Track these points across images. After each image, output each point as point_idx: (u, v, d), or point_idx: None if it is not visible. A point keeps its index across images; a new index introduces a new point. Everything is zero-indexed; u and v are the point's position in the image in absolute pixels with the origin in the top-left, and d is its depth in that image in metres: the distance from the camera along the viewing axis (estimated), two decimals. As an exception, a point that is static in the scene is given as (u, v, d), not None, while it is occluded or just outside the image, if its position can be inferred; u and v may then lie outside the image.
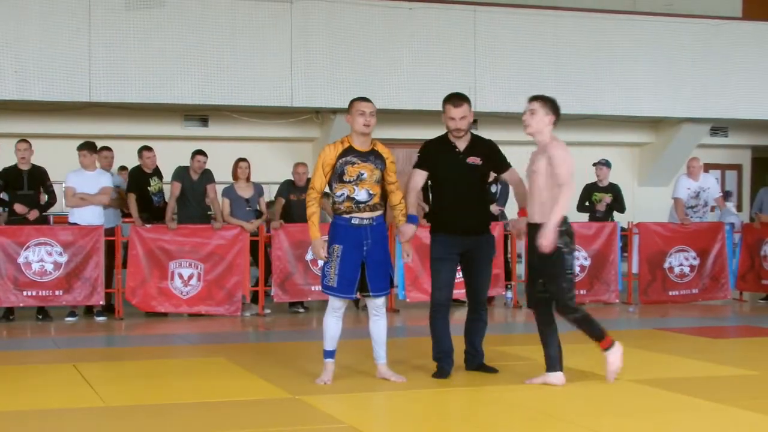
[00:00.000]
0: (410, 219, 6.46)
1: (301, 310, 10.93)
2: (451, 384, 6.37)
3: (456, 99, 6.53)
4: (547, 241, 5.99)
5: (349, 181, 6.18)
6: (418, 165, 6.61)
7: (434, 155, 6.62)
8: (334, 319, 6.33)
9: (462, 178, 6.54)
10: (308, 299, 10.89)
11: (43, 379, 6.62)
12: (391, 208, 6.50)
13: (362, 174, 6.18)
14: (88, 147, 10.25)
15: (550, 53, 14.21)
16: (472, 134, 6.64)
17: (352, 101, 6.30)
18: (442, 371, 6.52)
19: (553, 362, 6.29)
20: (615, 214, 11.94)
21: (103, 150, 10.74)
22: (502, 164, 6.69)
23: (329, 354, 6.35)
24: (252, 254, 10.78)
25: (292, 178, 10.99)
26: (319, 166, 6.23)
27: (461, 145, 6.57)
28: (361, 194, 6.19)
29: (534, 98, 6.29)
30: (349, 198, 6.19)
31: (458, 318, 7.07)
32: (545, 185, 6.12)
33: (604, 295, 11.44)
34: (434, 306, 6.59)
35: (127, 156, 11.79)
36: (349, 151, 6.22)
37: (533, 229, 6.19)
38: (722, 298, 12.06)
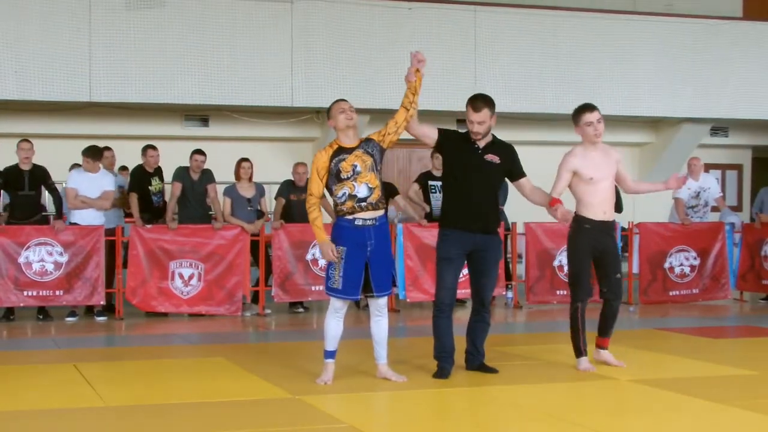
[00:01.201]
0: None
1: (302, 310, 10.93)
2: (451, 384, 6.37)
3: (478, 102, 6.46)
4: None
5: (347, 178, 6.18)
6: (439, 129, 6.55)
7: (453, 142, 6.58)
8: (335, 320, 6.33)
9: (478, 174, 6.48)
10: (308, 299, 10.90)
11: (43, 379, 6.62)
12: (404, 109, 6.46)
13: (356, 166, 6.19)
14: (91, 154, 10.12)
15: (550, 53, 14.19)
16: (493, 135, 6.60)
17: (330, 106, 6.35)
18: (443, 371, 6.52)
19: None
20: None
21: (104, 150, 10.72)
22: (518, 171, 6.65)
23: (330, 354, 6.36)
24: (252, 254, 10.79)
25: (292, 178, 11.00)
26: (314, 172, 6.26)
27: (481, 143, 6.53)
28: (361, 190, 6.19)
29: (596, 108, 6.66)
30: (351, 196, 6.19)
31: (459, 317, 7.06)
32: (612, 186, 6.80)
33: (604, 295, 11.40)
34: (438, 306, 6.58)
35: (127, 156, 11.79)
36: (340, 150, 6.25)
37: (601, 227, 6.70)
38: (722, 298, 12.05)
